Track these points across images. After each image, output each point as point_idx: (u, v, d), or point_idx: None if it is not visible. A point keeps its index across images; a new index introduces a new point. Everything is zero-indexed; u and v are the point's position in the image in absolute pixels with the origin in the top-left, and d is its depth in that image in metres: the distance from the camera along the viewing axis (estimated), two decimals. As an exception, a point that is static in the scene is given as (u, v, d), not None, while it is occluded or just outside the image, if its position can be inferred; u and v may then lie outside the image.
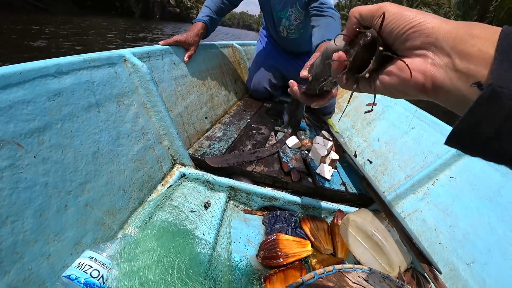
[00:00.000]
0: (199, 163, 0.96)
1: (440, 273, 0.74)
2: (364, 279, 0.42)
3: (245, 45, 2.13)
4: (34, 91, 0.53)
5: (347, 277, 0.40)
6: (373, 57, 0.29)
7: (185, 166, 0.92)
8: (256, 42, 2.03)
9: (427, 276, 0.76)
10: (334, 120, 1.63)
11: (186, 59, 1.10)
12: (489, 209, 0.79)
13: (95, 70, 0.68)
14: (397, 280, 0.48)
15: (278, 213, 0.88)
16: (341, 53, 0.33)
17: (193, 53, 1.13)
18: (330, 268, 0.41)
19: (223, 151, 1.01)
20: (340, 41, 0.36)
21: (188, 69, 1.13)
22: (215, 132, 1.16)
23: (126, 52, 0.81)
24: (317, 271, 0.39)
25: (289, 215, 0.88)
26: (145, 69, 0.81)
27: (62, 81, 0.59)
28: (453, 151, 0.96)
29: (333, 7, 1.22)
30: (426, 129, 1.12)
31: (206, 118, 1.19)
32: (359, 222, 0.78)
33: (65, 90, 0.59)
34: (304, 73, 0.80)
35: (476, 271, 0.72)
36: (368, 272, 0.47)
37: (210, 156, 0.96)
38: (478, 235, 0.77)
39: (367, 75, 0.30)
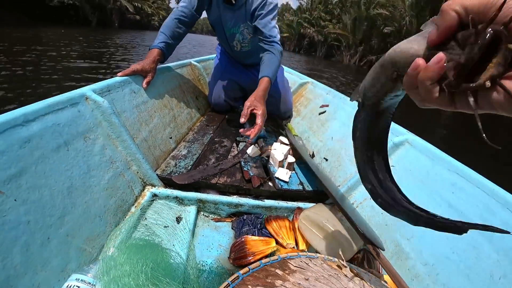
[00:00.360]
0: (168, 182, 1.04)
1: (383, 250, 0.87)
2: (305, 263, 0.53)
3: (204, 61, 2.23)
4: (6, 141, 0.59)
5: (289, 263, 0.51)
6: (493, 60, 0.23)
7: (155, 186, 1.00)
8: (214, 56, 2.13)
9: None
10: (293, 124, 1.77)
11: (144, 85, 1.18)
12: (421, 189, 0.94)
13: (59, 112, 0.75)
14: (336, 260, 0.60)
15: (244, 218, 0.98)
16: (441, 55, 0.25)
17: (151, 79, 1.21)
18: (276, 257, 0.51)
19: (189, 168, 1.11)
20: (420, 44, 0.28)
21: (148, 94, 1.21)
22: (180, 151, 1.25)
23: (87, 90, 0.88)
24: (263, 260, 0.49)
25: (255, 218, 0.98)
26: (106, 104, 0.89)
27: (30, 128, 0.66)
28: (391, 142, 1.11)
29: (277, 40, 1.42)
30: None
31: (170, 138, 1.27)
32: (312, 216, 0.90)
33: (34, 136, 0.66)
34: (242, 119, 1.10)
35: (415, 244, 0.87)
36: (312, 257, 0.58)
37: (177, 174, 1.05)
38: None
39: (487, 83, 0.23)
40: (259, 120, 1.15)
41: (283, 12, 39.96)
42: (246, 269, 0.46)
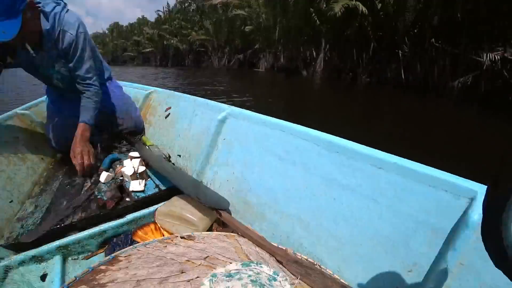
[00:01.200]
0: (18, 247, 0.97)
1: (225, 209, 1.01)
2: (138, 249, 0.61)
3: (33, 106, 2.01)
4: None
5: (120, 256, 0.58)
6: None
7: (3, 259, 0.92)
8: (45, 96, 1.93)
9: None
10: (148, 135, 1.81)
11: None
12: (254, 149, 1.13)
13: None
14: (174, 236, 0.70)
15: (115, 241, 1.01)
16: None
17: None
18: (108, 258, 0.58)
19: (38, 222, 1.05)
20: None
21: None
22: (26, 209, 1.16)
23: None
24: (92, 265, 0.55)
25: (124, 236, 1.02)
26: None
27: None
28: (217, 120, 1.27)
29: (93, 81, 1.45)
30: (204, 111, 1.43)
31: (11, 201, 1.17)
32: (165, 210, 1.01)
33: None
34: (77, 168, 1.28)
35: (253, 192, 1.07)
36: (148, 243, 0.66)
37: (25, 234, 0.99)
38: (262, 170, 1.08)
39: None
40: (74, 161, 1.29)
41: (141, 27, 38.18)
42: (72, 278, 0.51)
